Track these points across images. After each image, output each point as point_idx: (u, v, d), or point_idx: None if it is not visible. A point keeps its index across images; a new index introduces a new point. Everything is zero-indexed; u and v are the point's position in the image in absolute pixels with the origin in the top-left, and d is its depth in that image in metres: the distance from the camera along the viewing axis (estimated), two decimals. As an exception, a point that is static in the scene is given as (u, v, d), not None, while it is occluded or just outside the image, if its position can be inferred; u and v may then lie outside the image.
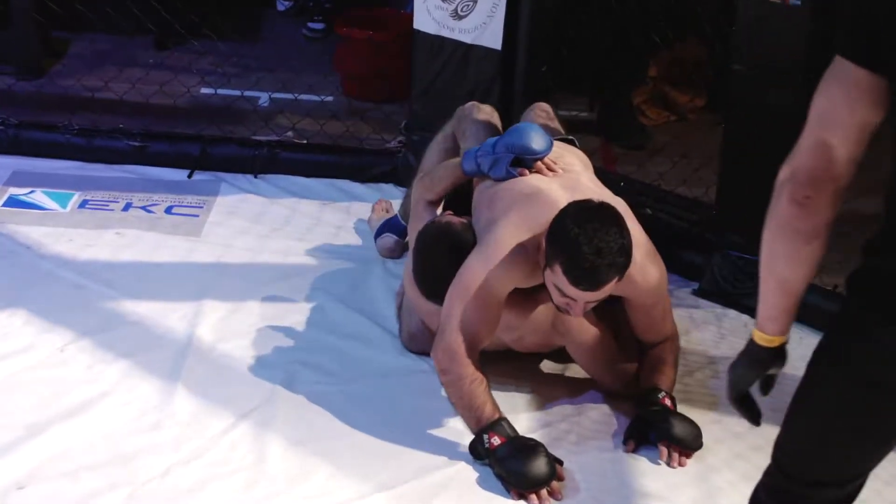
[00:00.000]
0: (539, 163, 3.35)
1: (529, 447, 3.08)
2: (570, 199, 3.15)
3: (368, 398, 3.36)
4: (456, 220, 3.38)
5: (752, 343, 2.11)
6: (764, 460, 3.15)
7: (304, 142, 4.63)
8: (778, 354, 2.11)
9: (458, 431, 3.22)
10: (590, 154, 3.70)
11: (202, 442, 3.16)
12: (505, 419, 3.13)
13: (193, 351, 3.52)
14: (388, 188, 4.50)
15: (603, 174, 3.79)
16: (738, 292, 3.84)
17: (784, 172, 1.99)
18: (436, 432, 3.24)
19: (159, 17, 5.01)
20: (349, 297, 3.80)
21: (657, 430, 3.19)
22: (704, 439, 3.25)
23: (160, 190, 4.41)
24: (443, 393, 3.29)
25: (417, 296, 3.41)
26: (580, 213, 3.01)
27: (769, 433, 3.24)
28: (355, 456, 3.13)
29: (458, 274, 3.20)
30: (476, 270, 3.16)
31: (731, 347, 3.65)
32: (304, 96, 4.84)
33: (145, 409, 3.27)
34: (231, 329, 3.63)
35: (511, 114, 4.29)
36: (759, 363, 2.11)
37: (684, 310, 3.82)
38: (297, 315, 3.71)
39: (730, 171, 3.86)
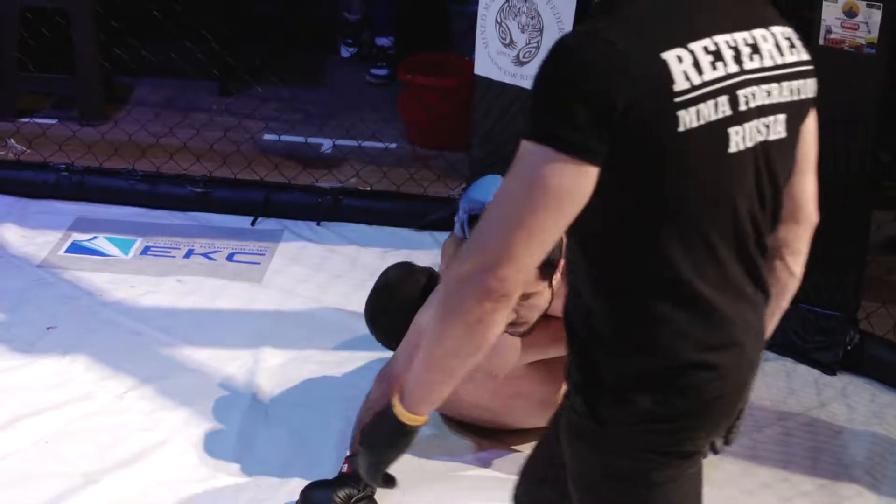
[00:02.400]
0: None
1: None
2: None
3: (428, 452, 3.29)
4: (419, 269, 3.35)
5: (399, 423, 1.94)
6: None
7: (368, 188, 4.61)
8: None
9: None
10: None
11: (258, 493, 3.13)
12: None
13: (252, 400, 3.49)
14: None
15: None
16: (809, 346, 3.74)
17: None
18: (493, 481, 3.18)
19: (223, 63, 5.02)
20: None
21: None
22: (771, 497, 3.17)
23: (222, 236, 4.40)
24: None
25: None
26: None
27: (841, 489, 3.19)
28: (414, 510, 3.08)
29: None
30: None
31: (800, 403, 3.57)
32: (367, 143, 4.82)
33: (203, 458, 3.25)
34: (289, 377, 3.60)
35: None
36: (405, 442, 1.97)
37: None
38: (355, 364, 3.68)
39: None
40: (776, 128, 1.87)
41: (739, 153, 1.83)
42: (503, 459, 3.27)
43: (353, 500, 3.00)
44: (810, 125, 1.97)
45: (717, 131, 1.80)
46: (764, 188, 1.88)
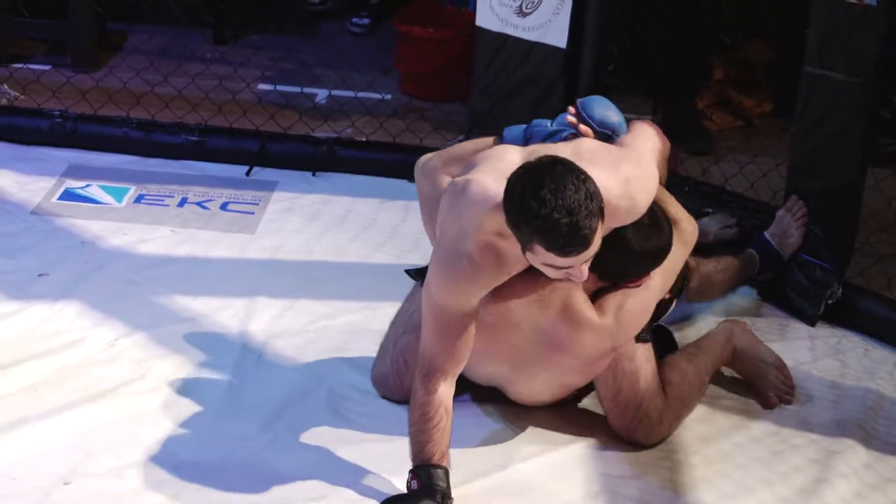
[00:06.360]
0: None
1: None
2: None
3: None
4: None
5: None
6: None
7: (364, 139, 4.58)
8: None
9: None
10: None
11: (245, 441, 3.12)
12: (437, 466, 2.88)
13: (244, 349, 3.49)
14: (446, 188, 4.43)
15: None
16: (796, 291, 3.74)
17: None
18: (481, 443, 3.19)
19: (218, 10, 4.98)
20: (402, 298, 3.72)
21: None
22: (762, 451, 3.19)
23: (217, 185, 4.38)
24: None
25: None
26: (528, 184, 2.67)
27: (831, 444, 3.18)
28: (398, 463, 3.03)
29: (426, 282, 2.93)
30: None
31: (793, 357, 3.55)
32: (363, 94, 4.79)
33: (193, 406, 3.24)
34: (283, 327, 3.59)
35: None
36: None
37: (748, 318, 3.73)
38: (349, 315, 3.66)
39: (799, 175, 3.74)
40: None
41: None
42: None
43: None
44: None
45: None
46: None
